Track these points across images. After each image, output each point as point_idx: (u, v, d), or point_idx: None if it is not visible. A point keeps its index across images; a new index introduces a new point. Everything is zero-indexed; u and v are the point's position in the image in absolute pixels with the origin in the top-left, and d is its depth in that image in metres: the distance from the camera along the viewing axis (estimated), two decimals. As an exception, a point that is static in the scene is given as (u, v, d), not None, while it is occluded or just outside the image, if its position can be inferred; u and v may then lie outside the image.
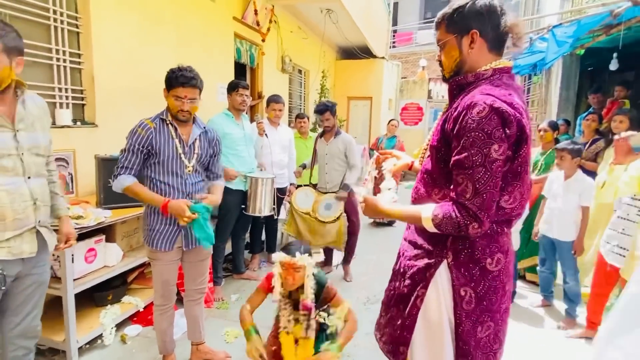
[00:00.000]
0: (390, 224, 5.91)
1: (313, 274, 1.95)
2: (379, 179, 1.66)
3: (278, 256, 1.89)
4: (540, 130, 3.73)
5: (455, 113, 1.23)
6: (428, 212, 1.26)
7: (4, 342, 1.68)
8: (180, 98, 1.98)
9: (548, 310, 3.27)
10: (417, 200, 1.45)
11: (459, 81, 1.33)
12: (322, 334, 2.02)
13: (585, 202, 2.87)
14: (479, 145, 1.15)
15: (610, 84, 5.41)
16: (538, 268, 3.34)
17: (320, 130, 3.91)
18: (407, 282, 1.40)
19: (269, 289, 2.10)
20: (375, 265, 4.10)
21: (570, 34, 4.25)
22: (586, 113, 4.36)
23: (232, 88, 3.27)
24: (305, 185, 3.88)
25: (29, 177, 1.58)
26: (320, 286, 2.01)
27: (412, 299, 1.37)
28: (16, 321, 1.67)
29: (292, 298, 2.05)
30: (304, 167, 3.96)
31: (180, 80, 1.95)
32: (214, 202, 2.13)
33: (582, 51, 5.25)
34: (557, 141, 3.73)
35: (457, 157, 1.21)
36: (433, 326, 1.35)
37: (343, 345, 1.86)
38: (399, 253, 1.53)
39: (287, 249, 1.86)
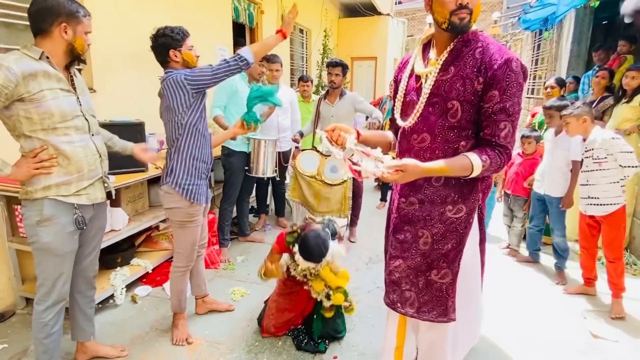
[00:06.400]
0: (391, 187, 5.90)
1: (325, 225, 2.26)
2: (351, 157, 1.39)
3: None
4: (546, 88, 3.61)
5: (496, 65, 1.31)
6: (477, 160, 1.33)
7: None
8: (192, 47, 2.15)
9: (540, 268, 3.31)
10: (430, 160, 1.39)
11: (465, 38, 1.39)
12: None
13: (575, 156, 2.84)
14: (517, 95, 1.33)
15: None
16: (527, 225, 3.38)
17: (323, 92, 3.82)
18: (452, 237, 1.45)
19: (282, 250, 2.25)
20: (378, 227, 4.15)
21: (584, -16, 4.03)
22: (591, 71, 4.22)
23: None
24: (307, 150, 3.83)
25: (92, 135, 1.79)
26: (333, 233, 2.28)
27: (460, 250, 1.45)
28: (79, 259, 1.90)
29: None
30: (301, 134, 3.78)
31: (185, 32, 2.12)
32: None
33: (597, 3, 4.98)
34: (563, 98, 3.63)
35: (501, 105, 1.32)
36: (469, 261, 1.49)
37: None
38: (409, 220, 1.51)
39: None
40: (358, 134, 1.52)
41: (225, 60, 2.08)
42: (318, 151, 3.74)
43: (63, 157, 1.67)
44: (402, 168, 1.25)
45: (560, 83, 3.60)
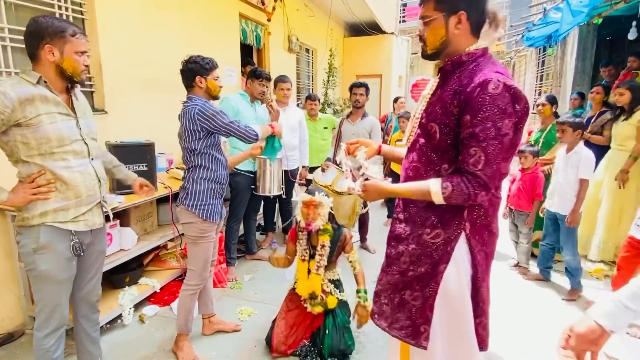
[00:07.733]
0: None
1: (333, 227, 2.29)
2: (357, 170, 1.60)
3: (301, 196, 2.24)
4: (538, 105, 3.66)
5: (469, 89, 1.24)
6: (436, 185, 1.29)
7: (73, 303, 1.91)
8: (218, 78, 2.27)
9: (551, 286, 3.24)
10: (414, 178, 1.45)
11: (455, 60, 1.36)
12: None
13: (583, 175, 2.86)
14: (493, 120, 1.21)
15: (629, 55, 5.22)
16: (540, 242, 3.33)
17: (347, 112, 3.98)
18: (426, 261, 1.40)
19: (294, 238, 2.39)
20: (384, 244, 4.13)
21: (586, 3, 4.09)
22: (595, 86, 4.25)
23: (255, 76, 3.32)
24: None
25: (92, 159, 1.75)
26: (337, 235, 2.32)
27: (433, 276, 1.39)
28: (81, 285, 1.89)
29: (311, 243, 2.34)
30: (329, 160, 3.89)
31: (215, 64, 2.26)
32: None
33: (600, 20, 5.04)
34: (556, 115, 3.64)
35: (471, 129, 1.24)
36: (454, 298, 1.38)
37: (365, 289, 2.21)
38: (395, 236, 1.51)
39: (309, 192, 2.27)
40: (380, 147, 1.64)
41: (241, 123, 2.24)
42: (338, 165, 3.78)
43: (61, 182, 1.63)
44: (365, 187, 1.47)
45: (551, 100, 3.65)
